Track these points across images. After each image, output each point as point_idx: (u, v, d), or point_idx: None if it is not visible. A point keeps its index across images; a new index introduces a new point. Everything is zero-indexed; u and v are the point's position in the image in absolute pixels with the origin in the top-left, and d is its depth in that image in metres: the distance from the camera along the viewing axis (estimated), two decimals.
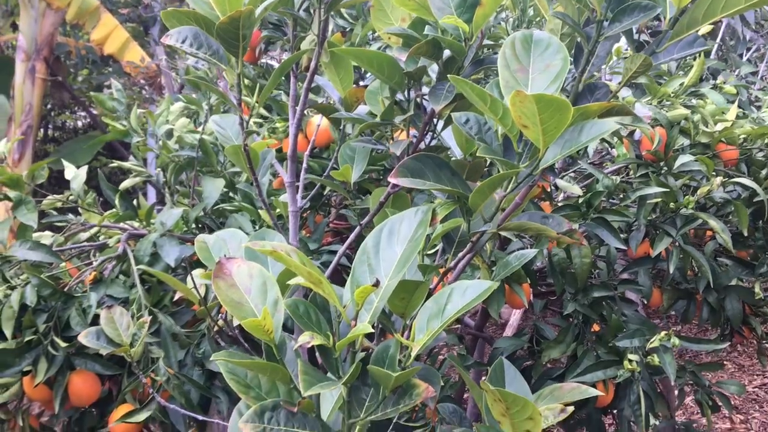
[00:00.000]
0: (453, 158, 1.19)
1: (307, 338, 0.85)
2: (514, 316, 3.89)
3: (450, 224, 1.03)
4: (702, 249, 2.09)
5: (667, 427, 2.22)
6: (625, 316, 1.98)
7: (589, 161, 2.08)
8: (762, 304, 2.38)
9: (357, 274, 0.94)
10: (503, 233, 1.02)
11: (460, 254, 1.07)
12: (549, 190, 1.84)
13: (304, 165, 1.40)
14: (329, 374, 0.92)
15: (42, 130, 7.82)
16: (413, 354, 0.88)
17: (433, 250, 1.12)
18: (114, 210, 1.79)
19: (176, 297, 1.66)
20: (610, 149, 2.18)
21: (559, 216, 1.03)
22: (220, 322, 1.30)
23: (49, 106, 7.54)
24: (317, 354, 0.96)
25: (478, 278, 1.39)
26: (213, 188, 1.84)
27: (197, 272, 1.19)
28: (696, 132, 1.95)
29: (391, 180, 0.94)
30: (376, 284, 0.85)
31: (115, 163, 2.41)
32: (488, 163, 1.25)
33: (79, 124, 8.63)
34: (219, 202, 1.89)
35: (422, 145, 1.17)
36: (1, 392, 1.51)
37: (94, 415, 1.84)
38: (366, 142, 1.16)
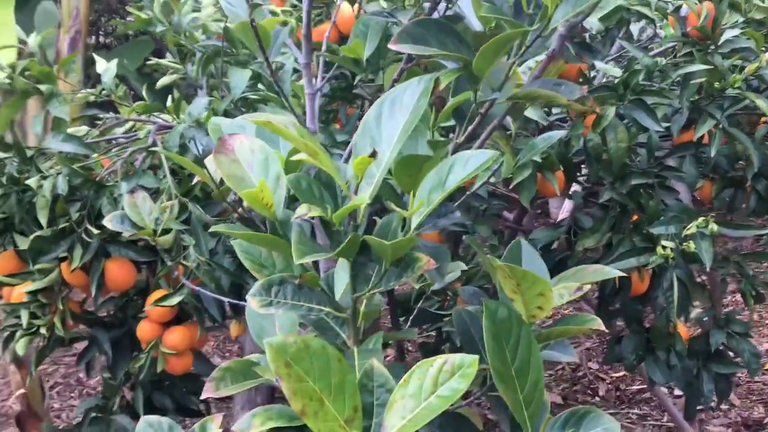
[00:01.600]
0: (471, 30, 1.13)
1: (305, 210, 0.84)
2: (563, 214, 3.83)
3: (461, 97, 0.98)
4: (753, 136, 1.99)
5: (708, 318, 2.18)
6: (665, 205, 1.92)
7: (635, 44, 1.97)
8: None
9: (358, 147, 0.92)
10: (516, 101, 0.97)
11: (470, 128, 1.03)
12: (586, 72, 1.75)
13: (323, 48, 1.36)
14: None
15: (93, 37, 7.86)
16: (413, 225, 0.86)
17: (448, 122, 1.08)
18: (142, 102, 1.79)
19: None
20: (657, 29, 2.06)
21: (573, 83, 0.97)
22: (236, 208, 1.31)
23: (97, 12, 7.54)
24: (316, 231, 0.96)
25: (502, 161, 1.35)
26: (240, 79, 1.82)
27: (211, 157, 1.18)
28: (749, 7, 1.81)
29: (391, 46, 0.90)
30: (373, 155, 0.82)
31: (153, 61, 2.41)
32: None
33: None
34: (246, 94, 1.87)
35: (437, 15, 1.11)
36: (41, 278, 1.57)
37: (138, 303, 1.92)
38: (378, 15, 1.10)
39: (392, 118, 0.89)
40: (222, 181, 1.26)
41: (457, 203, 1.20)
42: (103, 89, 1.92)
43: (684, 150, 1.82)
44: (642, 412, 3.22)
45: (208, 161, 1.26)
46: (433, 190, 0.86)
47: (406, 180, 0.95)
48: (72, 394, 3.76)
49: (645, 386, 3.35)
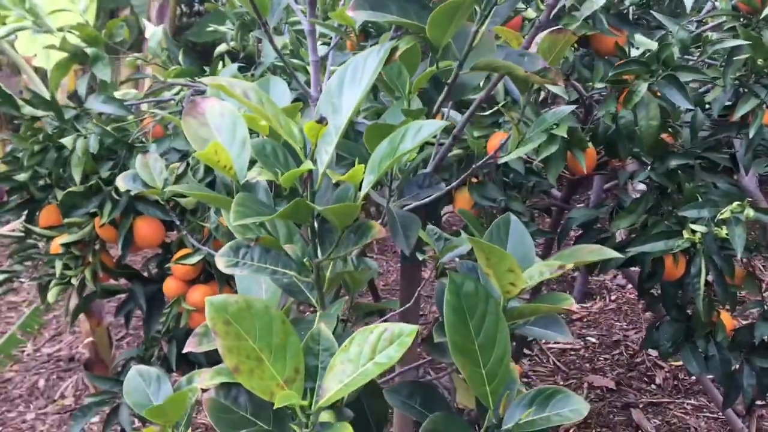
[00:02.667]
0: None
1: (254, 173, 0.86)
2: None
3: (429, 71, 0.96)
4: None
5: (758, 308, 2.06)
6: (715, 187, 1.83)
7: (689, 20, 1.87)
8: None
9: (321, 111, 0.92)
10: (479, 71, 0.94)
11: (440, 99, 1.01)
12: (624, 45, 1.68)
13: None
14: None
15: (184, 6, 8.09)
16: (361, 192, 0.86)
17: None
18: (176, 67, 1.84)
19: None
20: (715, 1, 1.94)
21: (536, 56, 0.93)
22: None
23: None
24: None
25: (509, 136, 1.32)
26: (270, 48, 1.84)
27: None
28: None
29: (349, 13, 0.89)
30: (320, 121, 0.83)
31: (212, 27, 2.48)
32: None
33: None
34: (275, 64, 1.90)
35: None
36: (75, 231, 1.67)
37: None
38: None
39: (353, 85, 0.89)
40: None
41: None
42: (148, 54, 2.00)
43: (725, 131, 1.72)
44: (698, 404, 3.10)
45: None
46: (384, 157, 0.86)
47: (376, 147, 0.95)
48: (137, 345, 3.97)
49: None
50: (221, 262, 0.97)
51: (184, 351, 1.11)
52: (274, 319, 0.84)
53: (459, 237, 1.46)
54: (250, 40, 2.08)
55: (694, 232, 1.58)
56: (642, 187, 3.08)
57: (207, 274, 1.79)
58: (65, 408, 3.47)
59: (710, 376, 2.57)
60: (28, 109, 1.66)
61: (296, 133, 0.87)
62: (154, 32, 2.01)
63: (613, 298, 4.06)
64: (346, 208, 0.83)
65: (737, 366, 2.00)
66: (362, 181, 0.85)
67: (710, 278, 1.80)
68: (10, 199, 1.78)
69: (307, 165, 0.83)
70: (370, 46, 0.93)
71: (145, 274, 2.00)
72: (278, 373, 0.83)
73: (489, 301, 0.99)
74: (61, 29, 1.85)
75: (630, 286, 4.13)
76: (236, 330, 0.82)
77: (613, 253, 1.17)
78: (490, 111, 1.66)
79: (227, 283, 1.72)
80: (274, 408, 0.80)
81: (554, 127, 1.49)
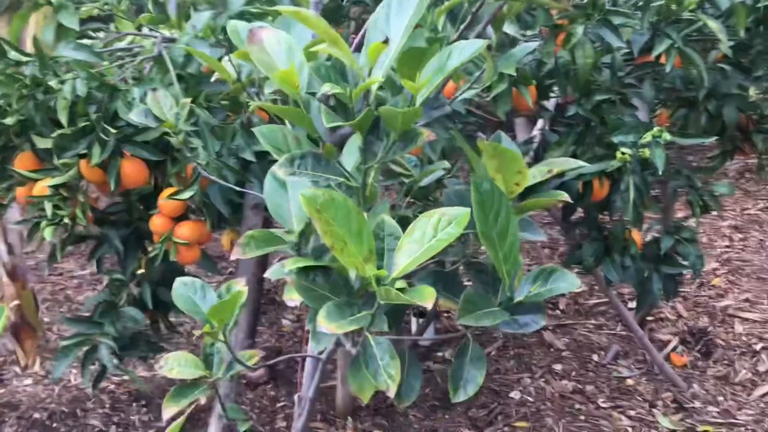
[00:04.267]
0: None
1: (328, 87, 1.01)
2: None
3: (454, 0, 1.15)
4: (705, 58, 2.19)
5: (659, 225, 2.42)
6: (620, 118, 2.12)
7: None
8: (764, 121, 2.50)
9: (371, 40, 1.08)
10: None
11: (462, 27, 1.20)
12: None
13: None
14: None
15: None
16: (418, 101, 1.04)
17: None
18: (148, 14, 1.91)
19: None
20: None
21: None
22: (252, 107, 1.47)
23: None
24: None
25: (483, 69, 1.53)
26: None
27: (234, 55, 1.34)
28: None
29: None
30: (386, 41, 1.00)
31: None
32: None
33: None
34: (244, 10, 2.00)
35: None
36: (63, 172, 1.72)
37: (140, 208, 2.09)
38: None
39: (400, 14, 1.06)
40: (239, 78, 1.42)
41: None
42: (106, 3, 2.04)
43: (643, 69, 2.02)
44: (598, 323, 3.51)
45: (224, 61, 1.42)
46: (435, 73, 1.04)
47: (407, 70, 1.12)
48: (61, 309, 3.93)
49: (601, 300, 3.65)
50: (282, 171, 1.12)
51: (231, 258, 1.25)
52: (351, 210, 1.01)
53: (432, 165, 1.67)
54: None
55: (623, 154, 1.87)
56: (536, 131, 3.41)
57: (188, 212, 1.89)
58: None
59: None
60: (13, 54, 1.69)
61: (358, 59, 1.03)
62: None
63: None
64: (412, 111, 1.01)
65: (647, 274, 2.35)
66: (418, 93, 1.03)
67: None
68: None
69: (375, 79, 1.00)
70: None
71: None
72: (358, 253, 1.01)
73: (502, 198, 1.20)
74: None
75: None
76: (325, 217, 0.99)
77: (581, 163, 1.42)
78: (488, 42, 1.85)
79: (219, 218, 1.84)
80: (365, 276, 0.97)
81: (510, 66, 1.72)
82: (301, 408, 1.63)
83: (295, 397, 1.66)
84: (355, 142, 1.15)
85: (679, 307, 3.53)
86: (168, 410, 1.26)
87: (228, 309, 1.22)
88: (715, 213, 4.39)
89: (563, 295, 3.79)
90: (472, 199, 1.16)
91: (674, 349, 3.22)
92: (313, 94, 1.16)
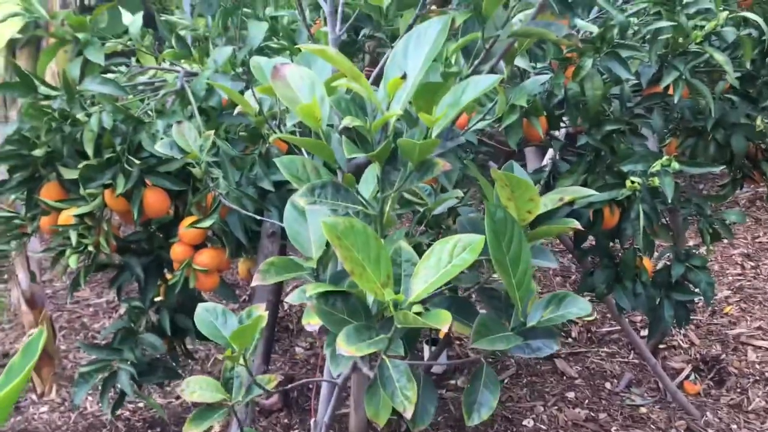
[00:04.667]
0: None
1: (349, 120, 1.07)
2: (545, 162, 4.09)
3: (468, 37, 1.21)
4: (713, 89, 2.24)
5: (670, 252, 2.45)
6: (630, 148, 2.16)
7: (616, 4, 2.20)
8: None
9: (389, 74, 1.14)
10: (516, 37, 1.19)
11: (476, 62, 1.25)
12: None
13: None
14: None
15: None
16: (434, 133, 1.09)
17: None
18: (171, 50, 1.98)
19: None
20: None
21: (559, 23, 1.20)
22: (272, 136, 1.52)
23: None
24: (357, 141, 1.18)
25: (495, 101, 1.58)
26: (257, 31, 2.02)
27: (257, 88, 1.40)
28: None
29: None
30: (404, 76, 1.05)
31: (164, 18, 2.59)
32: None
33: None
34: (263, 45, 2.08)
35: None
36: (87, 202, 1.78)
37: (160, 237, 2.14)
38: None
39: (417, 50, 1.11)
40: (260, 111, 1.48)
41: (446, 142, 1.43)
42: (130, 39, 2.11)
43: (652, 100, 2.07)
44: (611, 351, 3.51)
45: (248, 95, 1.48)
46: (450, 106, 1.09)
47: (423, 104, 1.17)
48: (77, 337, 3.97)
49: (613, 328, 3.66)
50: (303, 201, 1.16)
51: (252, 284, 1.30)
52: (370, 236, 1.06)
53: (446, 193, 1.71)
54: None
55: (633, 182, 1.91)
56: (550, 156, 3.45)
57: (208, 241, 1.94)
58: None
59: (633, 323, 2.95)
60: (43, 89, 1.76)
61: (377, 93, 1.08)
62: (134, 20, 2.13)
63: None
64: (430, 143, 1.06)
65: (659, 301, 2.38)
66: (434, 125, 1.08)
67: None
68: (13, 176, 1.86)
69: (394, 112, 1.05)
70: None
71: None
72: (376, 278, 1.05)
73: (514, 225, 1.24)
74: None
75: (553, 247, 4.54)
76: (345, 243, 1.03)
77: (591, 192, 1.46)
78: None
79: (238, 246, 1.89)
80: (383, 300, 1.01)
81: (523, 97, 1.77)
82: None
83: (311, 422, 1.70)
84: (372, 171, 1.20)
85: (691, 335, 3.54)
86: None
87: (249, 334, 1.26)
88: (726, 241, 4.40)
89: (576, 322, 3.81)
90: (486, 226, 1.20)
91: (687, 377, 3.22)
92: (333, 126, 1.22)
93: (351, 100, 1.16)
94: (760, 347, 3.38)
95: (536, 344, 1.30)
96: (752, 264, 4.09)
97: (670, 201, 1.89)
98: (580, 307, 1.28)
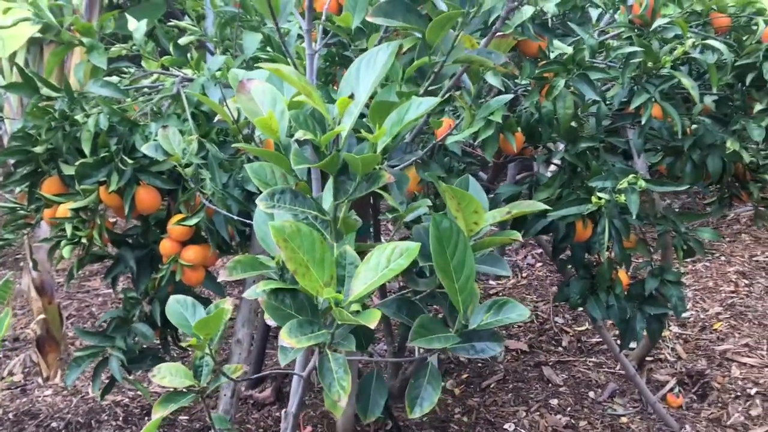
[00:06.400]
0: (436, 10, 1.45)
1: (300, 134, 1.18)
2: None
3: (418, 62, 1.31)
4: (690, 113, 2.32)
5: (645, 267, 2.53)
6: (612, 166, 2.25)
7: (595, 29, 2.29)
8: (762, 171, 2.60)
9: (342, 93, 1.25)
10: (459, 63, 1.30)
11: (426, 84, 1.36)
12: (546, 49, 2.07)
13: (323, 18, 1.69)
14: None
15: None
16: (378, 148, 1.19)
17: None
18: (169, 56, 2.11)
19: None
20: (615, 15, 2.37)
21: (498, 52, 1.30)
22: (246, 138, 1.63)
23: None
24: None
25: (462, 117, 1.68)
26: (252, 41, 2.14)
27: (231, 99, 1.51)
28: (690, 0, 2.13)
29: (369, 18, 1.22)
30: (351, 96, 1.16)
31: (173, 22, 2.73)
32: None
33: None
34: (257, 54, 2.19)
35: None
36: (83, 197, 1.91)
37: (156, 231, 2.26)
38: None
39: (368, 72, 1.22)
40: (238, 119, 1.60)
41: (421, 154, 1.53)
42: (134, 44, 2.24)
43: (625, 119, 2.15)
44: (598, 361, 3.58)
45: (229, 103, 1.60)
46: (394, 124, 1.19)
47: (378, 119, 1.28)
48: (85, 326, 4.13)
49: (602, 339, 3.72)
50: (262, 205, 1.28)
51: (219, 279, 1.41)
52: (316, 240, 1.17)
53: (416, 202, 1.81)
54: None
55: (600, 198, 2.00)
56: (553, 168, 3.53)
57: (196, 237, 2.06)
58: (15, 384, 3.60)
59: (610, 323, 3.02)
60: (45, 90, 1.89)
61: (328, 108, 1.19)
62: (139, 26, 2.26)
63: (524, 275, 4.53)
64: (371, 157, 1.16)
65: (631, 314, 2.45)
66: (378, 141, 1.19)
67: (611, 243, 2.23)
68: (17, 170, 2.00)
69: (342, 128, 1.16)
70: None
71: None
72: (320, 278, 1.16)
73: (459, 234, 1.34)
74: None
75: (539, 264, 4.63)
76: (291, 245, 1.14)
77: (541, 205, 1.55)
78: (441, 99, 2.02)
79: (219, 243, 2.01)
80: (323, 298, 1.12)
81: (493, 114, 1.87)
82: (286, 422, 1.77)
83: (282, 412, 1.81)
84: (329, 184, 1.31)
85: (679, 349, 3.60)
86: (156, 414, 1.41)
87: (214, 324, 1.37)
88: (723, 258, 4.45)
89: (567, 332, 3.88)
90: (431, 234, 1.30)
91: (671, 390, 3.29)
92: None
93: (310, 115, 1.27)
94: (744, 364, 3.43)
95: (480, 346, 1.40)
96: (746, 282, 4.13)
97: (634, 216, 1.97)
98: (518, 313, 1.37)
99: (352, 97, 1.15)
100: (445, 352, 3.71)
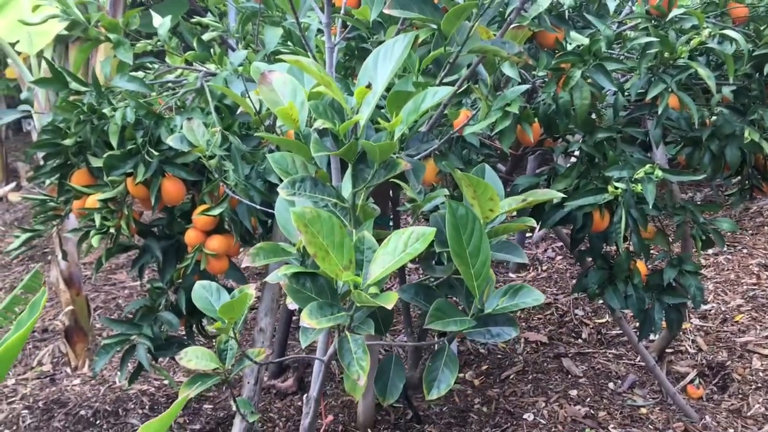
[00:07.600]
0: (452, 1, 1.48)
1: (320, 122, 1.22)
2: None
3: (434, 53, 1.34)
4: (709, 103, 2.33)
5: (664, 258, 2.54)
6: (631, 156, 2.27)
7: (612, 20, 2.30)
8: None
9: (360, 84, 1.28)
10: (474, 53, 1.33)
11: (442, 74, 1.39)
12: (562, 40, 2.09)
13: (342, 11, 1.73)
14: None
15: None
16: (395, 135, 1.23)
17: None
18: (192, 52, 2.16)
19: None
20: (632, 6, 2.39)
21: (513, 42, 1.33)
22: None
23: None
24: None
25: (479, 108, 1.71)
26: (273, 36, 2.19)
27: (253, 92, 1.56)
28: None
29: (385, 11, 1.26)
30: (369, 86, 1.19)
31: (196, 19, 2.78)
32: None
33: None
34: (278, 49, 2.24)
35: None
36: (111, 188, 1.97)
37: (182, 223, 2.32)
38: None
39: (385, 63, 1.26)
40: (260, 111, 1.64)
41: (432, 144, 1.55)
42: (158, 40, 2.30)
43: (641, 111, 2.17)
44: (618, 353, 3.59)
45: (252, 95, 1.65)
46: (410, 113, 1.23)
47: (395, 108, 1.32)
48: (112, 317, 4.21)
49: (622, 331, 3.73)
50: (284, 193, 1.32)
51: (243, 265, 1.46)
52: (335, 225, 1.21)
53: (434, 191, 1.85)
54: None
55: (616, 188, 2.02)
56: (573, 160, 3.54)
57: (220, 228, 2.12)
58: (44, 374, 3.69)
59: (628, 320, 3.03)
60: (74, 85, 1.96)
61: (346, 98, 1.23)
62: (163, 22, 2.32)
63: (544, 268, 4.55)
64: (388, 145, 1.20)
65: (650, 303, 2.47)
66: (395, 129, 1.22)
67: (628, 233, 2.25)
68: (47, 163, 2.06)
69: (360, 116, 1.20)
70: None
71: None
72: (339, 262, 1.20)
73: (475, 221, 1.38)
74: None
75: (559, 257, 4.64)
76: (311, 230, 1.18)
77: (558, 194, 1.58)
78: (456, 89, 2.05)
79: (242, 233, 2.06)
80: (342, 281, 1.16)
81: (509, 105, 1.89)
82: (308, 407, 1.82)
83: (304, 398, 1.85)
84: (348, 172, 1.35)
85: (699, 341, 3.59)
86: (182, 393, 1.46)
87: (238, 308, 1.42)
88: (745, 250, 4.43)
89: (587, 324, 3.90)
90: (447, 221, 1.34)
91: (692, 381, 3.29)
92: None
93: (329, 105, 1.31)
94: (765, 356, 3.42)
95: (496, 330, 1.43)
96: None
97: (650, 205, 1.99)
98: (534, 298, 1.41)
99: (369, 87, 1.19)
100: (465, 343, 3.72)
